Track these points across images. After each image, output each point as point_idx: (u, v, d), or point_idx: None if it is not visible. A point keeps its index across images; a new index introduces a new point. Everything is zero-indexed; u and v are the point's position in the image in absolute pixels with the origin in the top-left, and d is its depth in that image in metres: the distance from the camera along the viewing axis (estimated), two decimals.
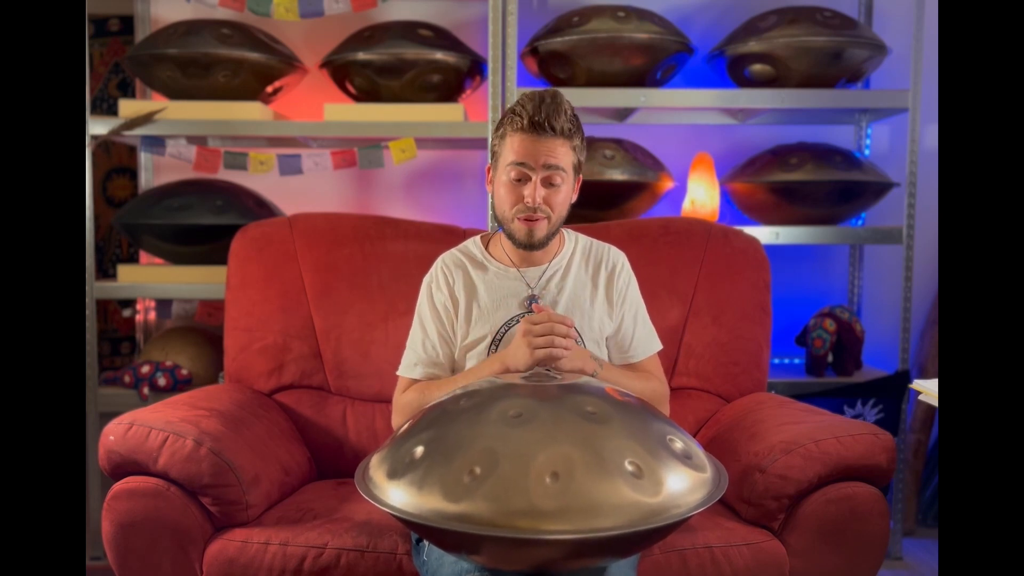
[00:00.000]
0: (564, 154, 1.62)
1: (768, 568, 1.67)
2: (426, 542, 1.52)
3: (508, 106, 2.52)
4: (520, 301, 1.71)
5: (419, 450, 1.26)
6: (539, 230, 1.64)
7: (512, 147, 1.62)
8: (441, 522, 1.17)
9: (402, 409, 1.73)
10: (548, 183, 1.62)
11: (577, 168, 1.68)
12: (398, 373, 1.79)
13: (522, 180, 1.62)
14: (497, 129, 1.67)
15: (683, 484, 1.22)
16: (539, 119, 1.58)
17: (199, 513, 1.67)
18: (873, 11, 2.92)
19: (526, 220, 1.63)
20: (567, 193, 1.67)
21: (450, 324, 1.74)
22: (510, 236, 1.68)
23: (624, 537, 1.16)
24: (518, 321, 1.69)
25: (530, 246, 1.67)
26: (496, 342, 1.69)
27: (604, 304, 1.75)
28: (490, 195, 1.72)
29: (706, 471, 1.28)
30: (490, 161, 1.72)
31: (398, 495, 1.23)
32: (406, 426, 1.37)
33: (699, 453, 1.32)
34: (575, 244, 1.80)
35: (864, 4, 2.91)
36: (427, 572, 1.48)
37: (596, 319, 1.74)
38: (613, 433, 1.23)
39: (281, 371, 2.12)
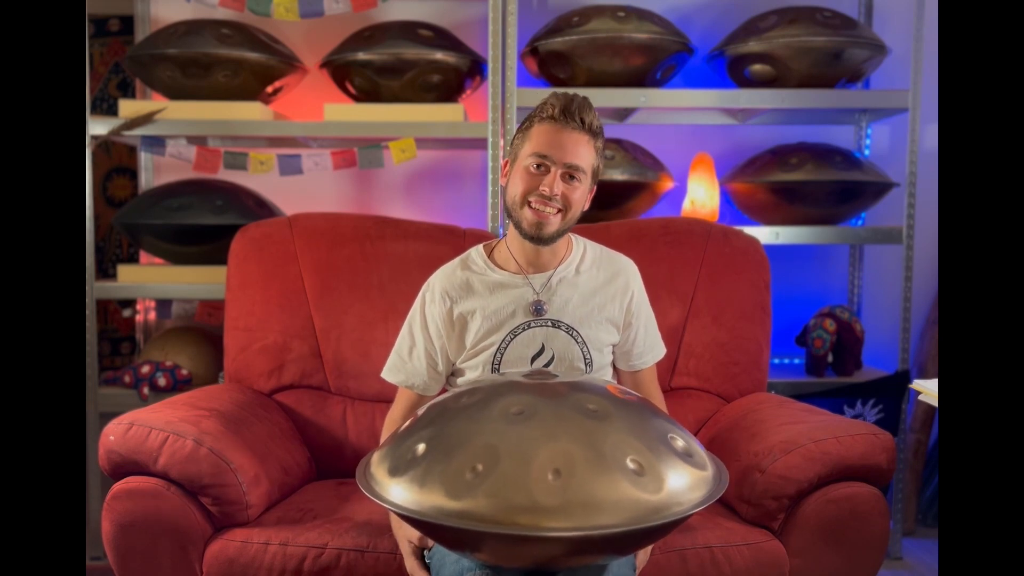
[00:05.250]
0: (587, 153, 1.61)
1: (768, 568, 1.67)
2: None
3: (510, 107, 2.55)
4: (525, 307, 1.68)
5: (420, 447, 1.26)
6: (550, 225, 1.60)
7: (538, 137, 1.60)
8: (442, 519, 1.17)
9: (385, 430, 1.79)
10: (567, 179, 1.60)
11: (595, 174, 1.66)
12: (382, 375, 1.79)
13: (542, 170, 1.60)
14: (522, 125, 1.66)
15: (684, 482, 1.22)
16: (571, 109, 1.59)
17: (199, 513, 1.67)
18: (873, 11, 2.92)
19: (537, 211, 1.60)
20: (583, 193, 1.64)
21: (439, 341, 1.71)
22: (517, 224, 1.64)
23: (626, 534, 1.16)
24: (524, 330, 1.67)
25: (537, 239, 1.62)
26: (502, 351, 1.67)
27: (612, 314, 1.72)
28: (504, 187, 1.69)
29: (707, 469, 1.29)
30: (507, 156, 1.68)
31: (399, 492, 1.23)
32: (407, 424, 1.37)
33: (700, 451, 1.32)
34: (583, 250, 1.76)
35: (864, 4, 2.91)
36: (429, 573, 1.48)
37: (603, 328, 1.71)
38: (614, 430, 1.23)
39: (281, 371, 2.12)
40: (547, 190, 1.58)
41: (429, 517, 1.18)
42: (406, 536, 1.52)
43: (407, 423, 1.37)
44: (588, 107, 1.61)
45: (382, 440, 1.74)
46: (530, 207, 1.60)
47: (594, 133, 1.62)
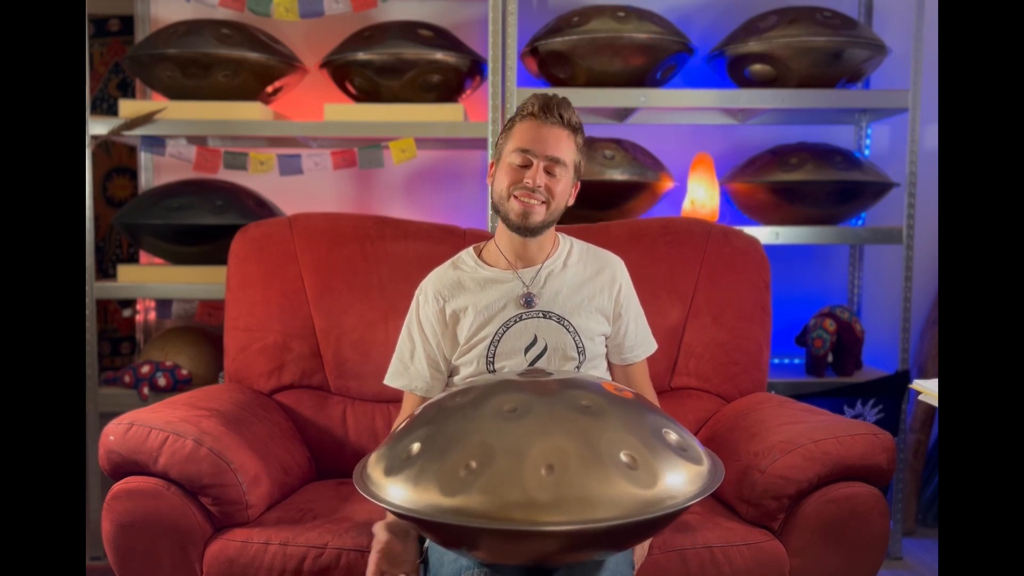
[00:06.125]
0: (567, 147, 1.66)
1: (768, 568, 1.67)
2: (424, 544, 1.52)
3: (510, 107, 2.55)
4: (516, 300, 1.71)
5: (415, 446, 1.26)
6: (536, 215, 1.65)
7: (519, 134, 1.66)
8: (438, 516, 1.18)
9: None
10: (549, 172, 1.65)
11: (577, 169, 1.70)
12: (384, 382, 1.80)
13: (525, 166, 1.65)
14: (505, 126, 1.71)
15: (679, 476, 1.22)
16: (550, 106, 1.65)
17: (199, 513, 1.67)
18: (873, 11, 2.92)
19: (523, 201, 1.64)
20: (566, 186, 1.68)
21: (436, 342, 1.74)
22: (505, 218, 1.68)
23: (620, 528, 1.17)
24: (516, 322, 1.69)
25: (524, 229, 1.67)
26: (495, 343, 1.69)
27: (602, 305, 1.75)
28: (490, 186, 1.73)
29: (702, 463, 1.29)
30: (492, 158, 1.73)
31: (396, 491, 1.23)
32: (403, 424, 1.37)
33: (695, 446, 1.32)
34: (570, 246, 1.80)
35: (864, 4, 2.91)
36: (427, 573, 1.48)
37: (594, 318, 1.74)
38: (608, 426, 1.24)
39: (281, 371, 2.12)
40: (530, 182, 1.64)
41: (425, 515, 1.19)
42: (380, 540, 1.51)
43: (403, 424, 1.38)
44: (567, 105, 1.67)
45: None
46: (515, 199, 1.65)
47: (574, 129, 1.67)
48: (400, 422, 1.76)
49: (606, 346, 1.79)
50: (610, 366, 1.82)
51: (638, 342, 1.82)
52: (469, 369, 1.72)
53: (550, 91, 1.72)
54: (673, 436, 1.29)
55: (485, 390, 1.33)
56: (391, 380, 1.79)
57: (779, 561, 1.68)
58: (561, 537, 1.16)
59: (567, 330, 1.70)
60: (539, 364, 1.68)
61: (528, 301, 1.70)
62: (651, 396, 1.84)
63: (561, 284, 1.73)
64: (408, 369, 1.76)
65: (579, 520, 1.14)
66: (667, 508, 1.18)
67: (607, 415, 1.26)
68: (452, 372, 1.77)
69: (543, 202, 1.65)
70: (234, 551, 1.65)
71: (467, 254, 1.81)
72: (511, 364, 1.69)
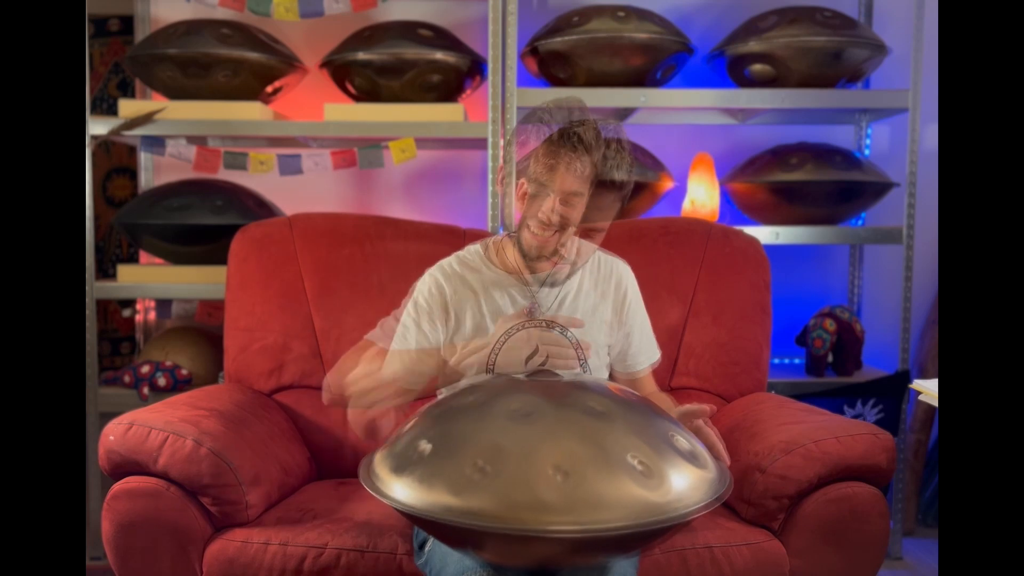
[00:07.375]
0: (584, 173, 1.58)
1: (768, 568, 1.67)
2: (427, 545, 1.52)
3: (510, 107, 2.54)
4: (520, 307, 1.69)
5: (424, 446, 1.26)
6: (549, 245, 1.62)
7: (535, 163, 1.59)
8: (446, 516, 1.17)
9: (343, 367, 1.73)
10: (565, 203, 1.59)
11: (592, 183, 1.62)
12: (368, 336, 1.74)
13: (540, 195, 1.59)
14: (519, 134, 1.65)
15: (688, 482, 1.22)
16: (567, 135, 1.57)
17: (199, 513, 1.67)
18: (873, 11, 2.93)
19: (536, 235, 1.60)
20: (581, 209, 1.62)
21: (434, 335, 1.70)
22: (517, 242, 1.66)
23: (630, 533, 1.16)
24: (517, 330, 1.67)
25: (538, 259, 1.65)
26: (496, 351, 1.66)
27: (607, 316, 1.74)
28: (500, 195, 1.69)
29: (711, 470, 1.29)
30: (503, 160, 1.69)
31: (403, 491, 1.23)
32: (411, 423, 1.37)
33: (703, 452, 1.32)
34: (578, 251, 1.77)
35: (864, 4, 2.92)
36: (430, 574, 1.48)
37: (597, 328, 1.72)
38: (618, 430, 1.23)
39: (281, 371, 2.12)
40: (545, 217, 1.59)
41: (434, 515, 1.18)
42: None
43: (410, 423, 1.37)
44: (583, 120, 1.60)
45: (336, 369, 1.72)
46: (529, 231, 1.62)
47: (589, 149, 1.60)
48: (357, 367, 1.69)
49: (609, 355, 1.78)
50: (614, 377, 1.81)
51: (641, 349, 1.80)
52: (467, 373, 1.69)
53: (564, 99, 1.64)
54: (683, 442, 1.29)
55: (493, 391, 1.33)
56: (372, 335, 1.73)
57: (779, 561, 1.68)
58: (571, 541, 1.16)
59: (569, 341, 1.68)
60: None
61: (531, 310, 1.68)
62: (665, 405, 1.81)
63: (567, 293, 1.71)
64: (404, 337, 1.70)
65: (589, 523, 1.14)
66: (677, 512, 1.18)
67: (616, 418, 1.26)
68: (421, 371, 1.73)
69: (557, 231, 1.61)
70: (234, 551, 1.65)
71: (475, 252, 1.77)
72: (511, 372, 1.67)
